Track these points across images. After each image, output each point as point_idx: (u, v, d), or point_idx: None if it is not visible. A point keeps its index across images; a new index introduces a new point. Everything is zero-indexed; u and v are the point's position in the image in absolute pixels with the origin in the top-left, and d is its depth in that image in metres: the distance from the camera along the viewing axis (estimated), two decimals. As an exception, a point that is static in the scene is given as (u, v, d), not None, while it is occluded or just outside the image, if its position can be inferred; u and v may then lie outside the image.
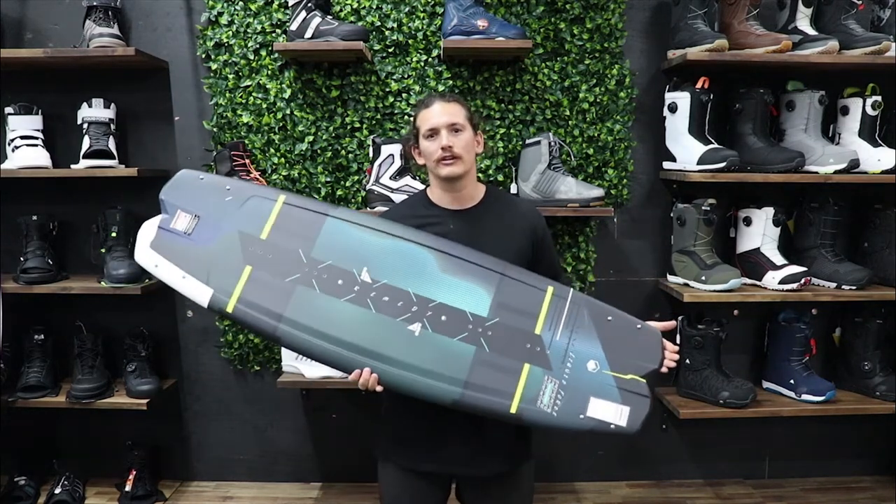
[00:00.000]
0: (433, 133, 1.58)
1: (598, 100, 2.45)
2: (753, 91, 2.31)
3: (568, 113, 2.46)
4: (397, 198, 2.24)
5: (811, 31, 2.29)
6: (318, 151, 2.46)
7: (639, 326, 1.50)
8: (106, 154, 2.31)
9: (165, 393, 2.52)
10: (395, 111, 2.44)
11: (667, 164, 2.42)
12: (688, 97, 2.28)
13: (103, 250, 2.41)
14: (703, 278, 2.31)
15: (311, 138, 2.44)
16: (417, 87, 2.43)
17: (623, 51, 2.45)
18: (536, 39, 2.40)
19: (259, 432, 2.67)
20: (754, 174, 2.27)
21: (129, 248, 2.37)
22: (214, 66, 2.42)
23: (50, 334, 2.46)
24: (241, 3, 2.39)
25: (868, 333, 2.44)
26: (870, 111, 2.33)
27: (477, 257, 1.52)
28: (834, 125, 2.42)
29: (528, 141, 2.37)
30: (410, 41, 2.41)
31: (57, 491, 2.42)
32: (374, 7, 2.38)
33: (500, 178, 2.48)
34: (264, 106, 2.43)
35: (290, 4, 2.28)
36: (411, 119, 1.69)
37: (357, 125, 2.45)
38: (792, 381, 2.42)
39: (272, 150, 2.46)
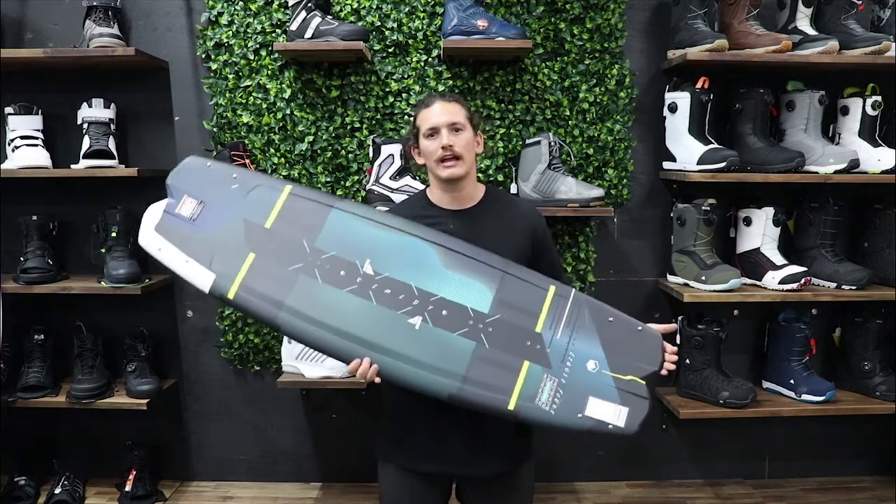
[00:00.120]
0: (433, 132, 1.58)
1: (598, 100, 2.45)
2: (753, 91, 2.31)
3: (568, 113, 2.46)
4: (397, 198, 2.24)
5: (811, 31, 2.29)
6: (318, 151, 2.46)
7: (640, 329, 1.50)
8: (106, 154, 2.31)
9: (165, 393, 2.52)
10: (395, 111, 2.44)
11: (667, 164, 2.42)
12: (688, 97, 2.28)
13: (103, 250, 2.41)
14: (703, 278, 2.31)
15: (311, 138, 2.44)
16: (417, 87, 2.43)
17: (623, 51, 2.45)
18: (536, 39, 2.40)
19: (259, 432, 2.67)
20: (754, 174, 2.27)
21: (129, 249, 2.38)
22: (214, 66, 2.42)
23: (50, 334, 2.46)
24: (241, 3, 2.39)
25: (868, 333, 2.44)
26: (870, 111, 2.33)
27: (480, 254, 1.52)
28: (834, 125, 2.42)
29: (528, 141, 2.37)
30: (410, 41, 2.41)
31: (57, 491, 2.42)
32: (374, 7, 2.38)
33: (500, 178, 2.48)
34: (264, 106, 2.43)
35: (290, 4, 2.28)
36: (411, 119, 1.69)
37: (357, 125, 2.45)
38: (792, 381, 2.42)
39: (272, 150, 2.46)
